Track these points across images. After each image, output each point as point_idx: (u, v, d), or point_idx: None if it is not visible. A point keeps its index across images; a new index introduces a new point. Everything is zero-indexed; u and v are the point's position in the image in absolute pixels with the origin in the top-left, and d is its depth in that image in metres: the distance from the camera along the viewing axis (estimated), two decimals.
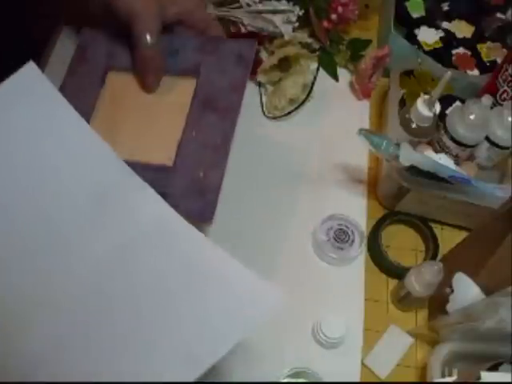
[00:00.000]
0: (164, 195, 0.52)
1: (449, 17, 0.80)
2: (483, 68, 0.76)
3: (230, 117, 0.56)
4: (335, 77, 0.75)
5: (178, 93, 0.59)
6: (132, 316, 0.41)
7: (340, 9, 0.73)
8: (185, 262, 0.43)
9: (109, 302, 0.42)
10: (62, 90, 0.57)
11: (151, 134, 0.57)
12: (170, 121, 0.57)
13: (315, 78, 0.71)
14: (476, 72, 0.76)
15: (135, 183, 0.47)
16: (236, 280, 0.42)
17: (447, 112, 0.66)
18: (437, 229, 0.65)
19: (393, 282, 0.62)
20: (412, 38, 0.77)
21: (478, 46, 0.78)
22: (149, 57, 0.55)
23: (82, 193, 0.46)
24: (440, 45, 0.78)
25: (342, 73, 0.76)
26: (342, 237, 0.62)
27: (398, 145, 0.57)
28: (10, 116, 0.46)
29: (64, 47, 0.71)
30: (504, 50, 0.77)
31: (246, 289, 0.41)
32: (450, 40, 0.78)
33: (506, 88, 0.66)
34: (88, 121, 0.57)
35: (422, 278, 0.55)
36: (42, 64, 0.69)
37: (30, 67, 0.47)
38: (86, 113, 0.57)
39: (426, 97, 0.62)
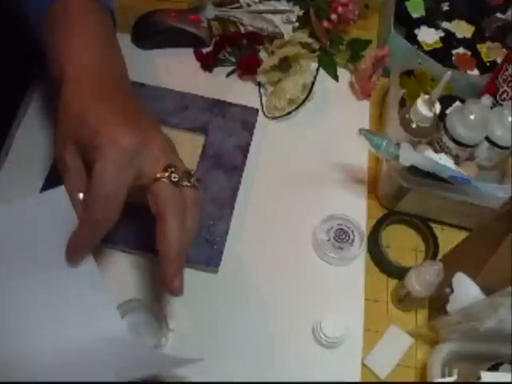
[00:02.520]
0: None
1: (449, 17, 0.80)
2: (483, 68, 0.76)
3: (236, 175, 0.63)
4: (335, 77, 0.75)
5: (188, 147, 0.64)
6: None
7: (340, 9, 0.73)
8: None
9: None
10: None
11: None
12: None
13: (315, 77, 0.71)
14: (476, 72, 0.76)
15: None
16: None
17: (447, 112, 0.66)
18: (437, 229, 0.65)
19: (393, 282, 0.62)
20: (412, 38, 0.77)
21: (478, 46, 0.78)
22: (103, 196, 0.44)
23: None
24: (440, 45, 0.78)
25: (342, 73, 0.76)
26: (342, 237, 0.62)
27: (397, 145, 0.57)
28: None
29: None
30: (504, 49, 0.77)
31: None
32: (450, 40, 0.78)
33: (505, 88, 0.66)
34: None
35: (422, 278, 0.55)
36: None
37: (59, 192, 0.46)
38: None
39: (426, 97, 0.62)
